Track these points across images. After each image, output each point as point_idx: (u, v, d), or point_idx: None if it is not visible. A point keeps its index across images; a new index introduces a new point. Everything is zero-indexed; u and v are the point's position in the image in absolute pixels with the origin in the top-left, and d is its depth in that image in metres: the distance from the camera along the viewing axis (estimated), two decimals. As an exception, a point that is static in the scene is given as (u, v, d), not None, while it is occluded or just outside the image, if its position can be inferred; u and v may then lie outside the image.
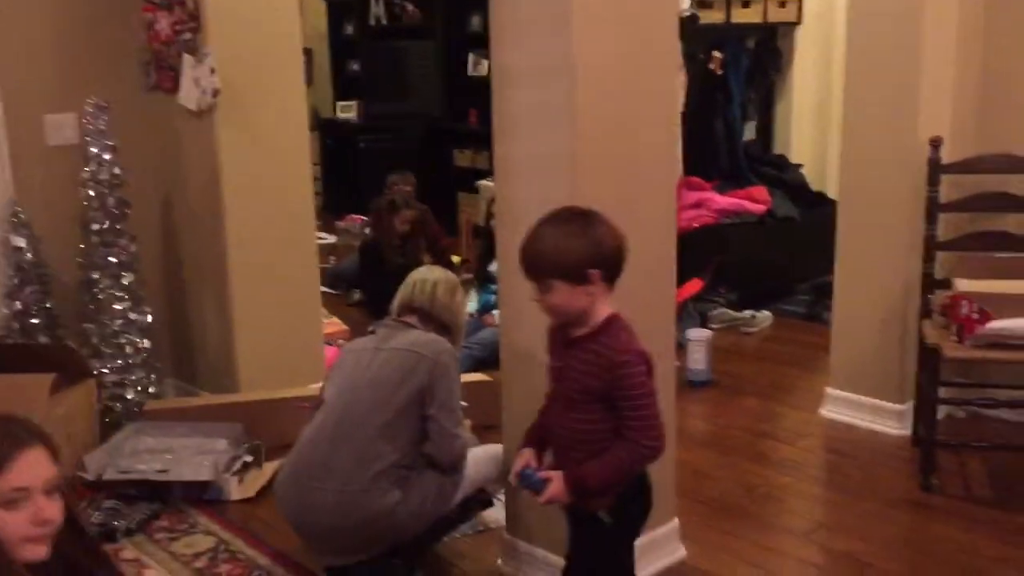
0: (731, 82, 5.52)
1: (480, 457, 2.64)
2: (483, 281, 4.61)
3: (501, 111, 2.50)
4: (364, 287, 5.35)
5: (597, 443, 1.98)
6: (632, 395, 1.94)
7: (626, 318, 2.00)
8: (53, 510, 1.54)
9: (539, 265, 1.97)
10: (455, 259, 5.60)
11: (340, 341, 4.31)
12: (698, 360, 4.07)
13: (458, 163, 7.43)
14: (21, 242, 3.37)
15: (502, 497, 2.73)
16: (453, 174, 7.33)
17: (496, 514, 2.80)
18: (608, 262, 1.96)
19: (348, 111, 8.27)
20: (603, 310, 1.99)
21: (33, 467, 1.53)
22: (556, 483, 1.99)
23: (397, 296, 2.67)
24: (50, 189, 3.54)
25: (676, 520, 2.70)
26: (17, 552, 1.50)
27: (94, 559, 1.71)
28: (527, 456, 2.11)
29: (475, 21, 7.31)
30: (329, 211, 7.53)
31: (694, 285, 4.58)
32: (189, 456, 3.13)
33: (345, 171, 7.76)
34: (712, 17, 5.31)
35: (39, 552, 1.53)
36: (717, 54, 5.42)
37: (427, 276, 2.68)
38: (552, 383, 2.10)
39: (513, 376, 2.57)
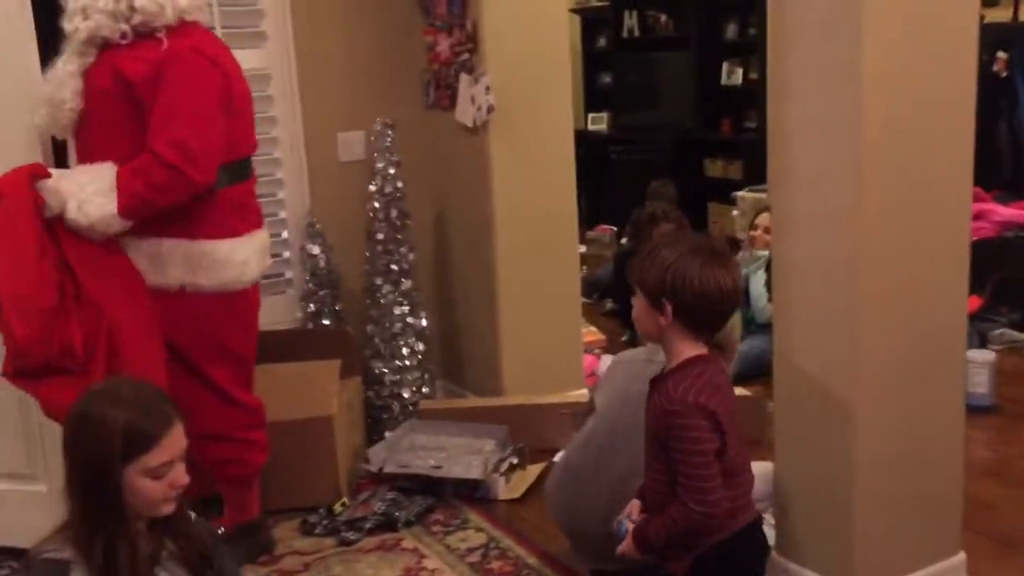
0: (1018, 85, 5.13)
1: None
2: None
3: (777, 122, 2.45)
4: (618, 297, 5.41)
5: (665, 496, 1.90)
6: (681, 449, 1.84)
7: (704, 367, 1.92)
8: (185, 476, 1.77)
9: (632, 267, 1.98)
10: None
11: (597, 350, 4.39)
12: (979, 384, 3.80)
13: (709, 173, 7.35)
14: (316, 250, 3.70)
15: (772, 519, 2.68)
16: (704, 184, 7.26)
17: (766, 533, 2.75)
18: (684, 303, 1.88)
19: (599, 123, 8.40)
20: (686, 348, 1.91)
21: (176, 442, 1.75)
22: (628, 537, 1.93)
23: None
24: (341, 201, 3.86)
25: (962, 554, 2.54)
26: (154, 511, 1.75)
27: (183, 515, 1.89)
28: (634, 506, 2.06)
29: (730, 30, 7.21)
30: (580, 220, 7.66)
31: (972, 303, 4.27)
32: (460, 455, 3.30)
33: (595, 182, 7.87)
34: (998, 16, 4.96)
35: (170, 508, 1.77)
36: (1002, 55, 5.06)
37: None
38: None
39: (786, 392, 2.52)
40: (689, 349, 1.92)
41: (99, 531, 1.68)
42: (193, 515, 1.90)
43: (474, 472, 3.23)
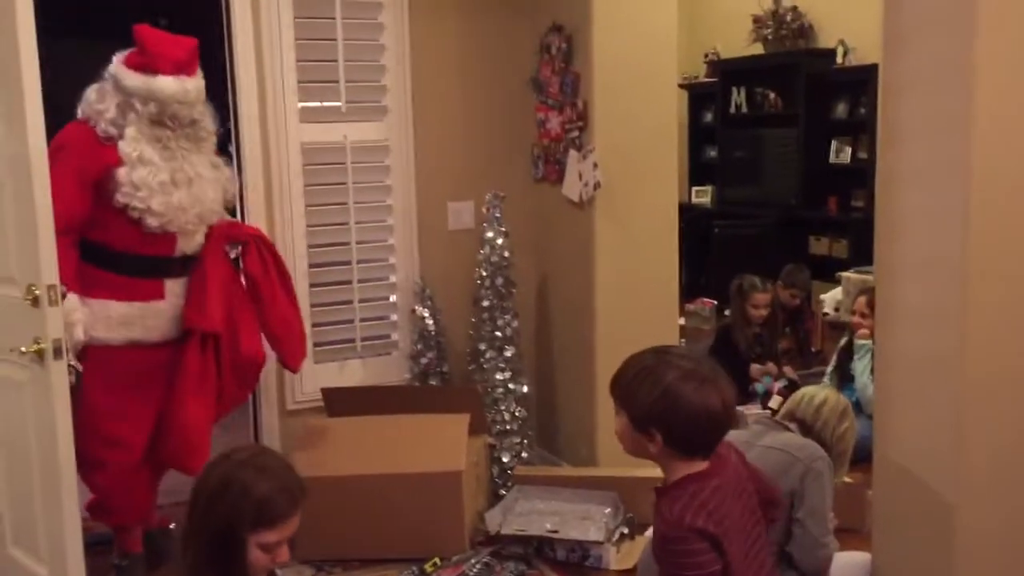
0: None
1: (848, 563, 2.58)
2: (842, 378, 4.46)
3: (886, 210, 2.47)
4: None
5: None
6: (671, 573, 1.76)
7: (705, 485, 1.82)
8: (287, 554, 1.89)
9: (615, 388, 1.87)
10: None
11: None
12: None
13: (814, 251, 7.28)
14: (425, 313, 3.84)
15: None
16: (809, 262, 7.19)
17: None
18: (677, 429, 1.78)
19: (703, 196, 8.44)
20: (679, 468, 1.82)
21: (294, 524, 1.86)
22: None
23: (784, 406, 2.72)
24: (449, 268, 4.00)
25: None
26: None
27: None
28: None
29: (840, 108, 7.20)
30: (680, 293, 7.67)
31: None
32: (576, 520, 3.35)
33: (698, 255, 7.88)
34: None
35: None
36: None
37: (816, 392, 2.70)
38: None
39: (886, 484, 2.50)
40: (683, 468, 1.83)
41: None
42: None
43: (592, 535, 3.26)
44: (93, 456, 2.94)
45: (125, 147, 2.89)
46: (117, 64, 2.96)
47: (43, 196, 2.52)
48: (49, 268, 2.53)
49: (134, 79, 2.90)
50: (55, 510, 2.65)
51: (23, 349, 2.55)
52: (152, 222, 2.93)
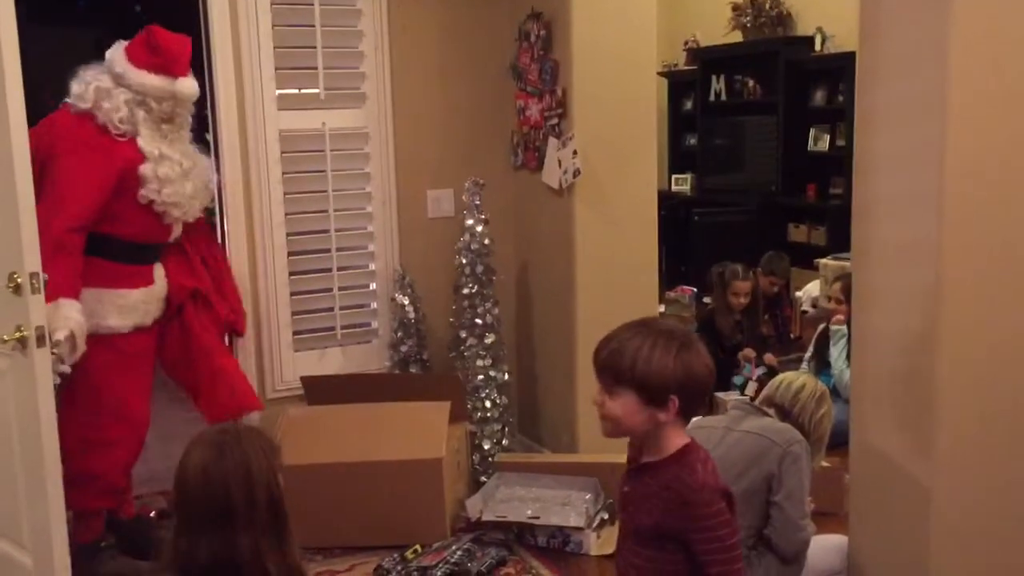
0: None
1: (825, 546, 2.61)
2: (820, 365, 4.49)
3: (861, 195, 2.49)
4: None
5: None
6: (713, 535, 1.77)
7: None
8: None
9: (617, 367, 1.81)
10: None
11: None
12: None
13: (793, 238, 7.32)
14: (405, 301, 3.84)
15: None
16: (788, 249, 7.22)
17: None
18: (691, 394, 1.81)
19: (683, 184, 8.47)
20: (677, 438, 1.84)
21: None
22: None
23: (763, 392, 2.74)
24: (428, 256, 4.00)
25: (1043, 641, 2.48)
26: None
27: None
28: None
29: (818, 96, 7.23)
30: (660, 280, 7.70)
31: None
32: (555, 506, 3.38)
33: (677, 242, 7.90)
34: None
35: None
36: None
37: (794, 378, 2.72)
38: (620, 512, 1.98)
39: (862, 466, 2.52)
40: (681, 438, 1.86)
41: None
42: None
43: (573, 520, 3.28)
44: (105, 436, 3.06)
45: (146, 145, 3.03)
46: (124, 63, 3.02)
47: (24, 183, 2.50)
48: (32, 255, 2.52)
49: (153, 80, 3.00)
50: (39, 498, 2.64)
51: (4, 337, 2.54)
52: (175, 213, 3.10)
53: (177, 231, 3.22)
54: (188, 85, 3.07)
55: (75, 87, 3.02)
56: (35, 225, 2.53)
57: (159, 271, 3.23)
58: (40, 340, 2.54)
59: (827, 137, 7.17)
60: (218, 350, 3.34)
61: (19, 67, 2.46)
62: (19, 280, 2.51)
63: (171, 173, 3.04)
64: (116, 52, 3.05)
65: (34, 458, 2.64)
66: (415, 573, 3.12)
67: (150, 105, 3.02)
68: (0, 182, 2.55)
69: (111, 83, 3.00)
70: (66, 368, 2.79)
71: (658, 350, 1.79)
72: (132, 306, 3.12)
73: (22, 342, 2.53)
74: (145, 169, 3.01)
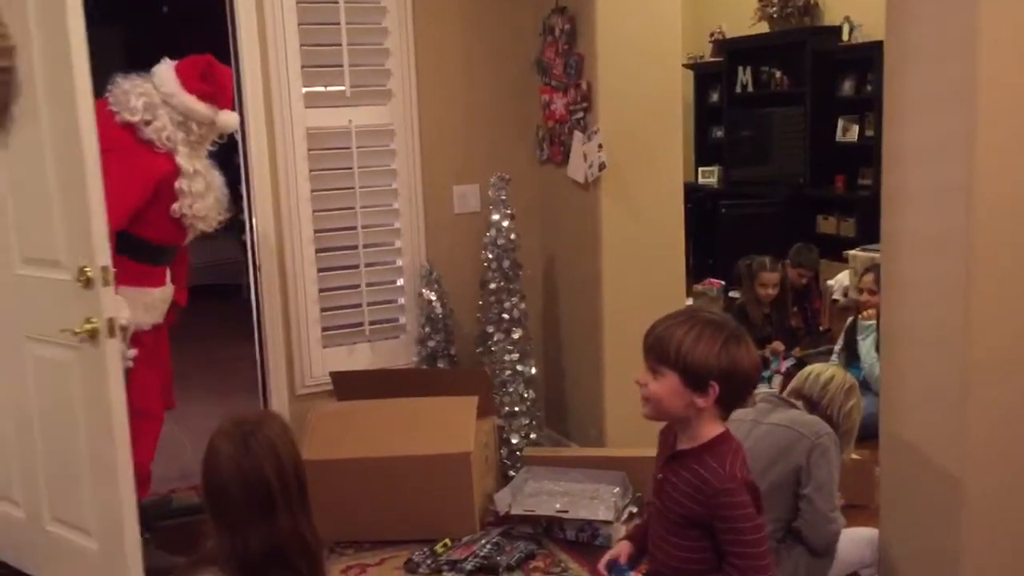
0: None
1: (855, 539, 2.59)
2: (850, 357, 4.46)
3: (891, 187, 2.47)
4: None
5: (696, 575, 1.87)
6: (736, 527, 1.80)
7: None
8: None
9: (663, 347, 1.87)
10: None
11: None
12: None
13: (822, 230, 7.27)
14: (432, 296, 3.85)
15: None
16: (817, 241, 7.17)
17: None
18: (732, 385, 1.84)
19: (709, 176, 8.43)
20: (713, 427, 1.88)
21: None
22: None
23: (791, 384, 2.73)
24: (455, 252, 4.01)
25: (1078, 635, 2.46)
26: None
27: None
28: (623, 549, 2.06)
29: (846, 86, 7.17)
30: (687, 273, 7.67)
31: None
32: (583, 499, 3.38)
33: (705, 235, 7.87)
34: None
35: None
36: None
37: (823, 370, 2.71)
38: (653, 496, 2.01)
39: (893, 459, 2.51)
40: (716, 427, 1.89)
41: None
42: None
43: (603, 514, 3.29)
44: (136, 429, 3.08)
45: (184, 162, 3.16)
46: (175, 85, 3.14)
47: (94, 178, 2.56)
48: (102, 250, 2.59)
49: (201, 107, 3.17)
50: (110, 486, 2.70)
51: (76, 329, 2.60)
52: (201, 226, 3.25)
53: (191, 236, 3.34)
54: (231, 118, 3.33)
55: (119, 95, 3.11)
56: (105, 220, 2.61)
57: (168, 273, 3.38)
58: (111, 331, 2.61)
59: (855, 128, 7.11)
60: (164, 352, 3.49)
61: (88, 68, 2.51)
62: (90, 274, 2.58)
63: (201, 188, 3.20)
64: (167, 71, 3.17)
65: (105, 447, 2.70)
66: (445, 567, 3.14)
67: (191, 127, 3.17)
68: (70, 178, 2.61)
69: (158, 100, 3.12)
70: (132, 355, 2.92)
71: (705, 336, 1.84)
72: (153, 304, 3.25)
73: (92, 334, 2.60)
74: (181, 184, 3.16)
